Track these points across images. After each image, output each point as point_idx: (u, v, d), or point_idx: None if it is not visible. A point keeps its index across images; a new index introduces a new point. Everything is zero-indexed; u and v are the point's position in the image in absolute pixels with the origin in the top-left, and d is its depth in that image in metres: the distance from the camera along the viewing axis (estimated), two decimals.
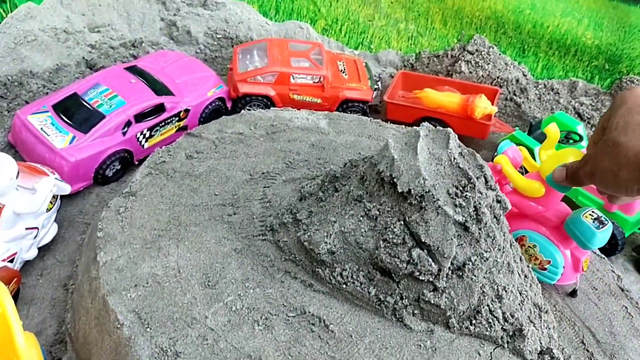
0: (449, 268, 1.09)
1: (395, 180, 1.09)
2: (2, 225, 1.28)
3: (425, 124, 1.20)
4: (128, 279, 1.16)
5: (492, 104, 1.92)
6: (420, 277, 1.08)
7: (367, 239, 1.13)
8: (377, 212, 1.12)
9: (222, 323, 1.09)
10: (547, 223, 1.31)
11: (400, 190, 1.08)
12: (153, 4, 2.15)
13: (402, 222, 1.09)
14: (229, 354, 1.04)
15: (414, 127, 1.18)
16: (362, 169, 1.22)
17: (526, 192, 1.24)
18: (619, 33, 2.01)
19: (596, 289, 1.50)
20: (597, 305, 1.46)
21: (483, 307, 1.11)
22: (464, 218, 1.07)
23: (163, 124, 1.72)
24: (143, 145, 1.70)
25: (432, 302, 1.09)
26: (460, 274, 1.09)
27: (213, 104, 1.87)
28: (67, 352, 1.27)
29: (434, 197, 1.06)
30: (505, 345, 1.11)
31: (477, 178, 1.11)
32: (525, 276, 1.24)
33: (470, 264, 1.09)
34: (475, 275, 1.09)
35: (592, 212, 1.25)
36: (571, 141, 1.85)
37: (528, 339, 1.11)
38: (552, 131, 1.22)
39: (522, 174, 1.29)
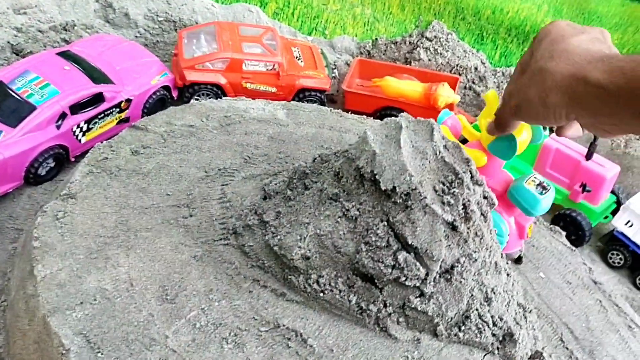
0: (437, 271, 1.00)
1: (377, 177, 0.98)
2: None
3: (404, 114, 1.11)
4: (72, 296, 1.01)
5: (459, 97, 1.86)
6: (407, 283, 0.98)
7: (347, 242, 1.02)
8: (357, 212, 1.02)
9: (186, 343, 0.96)
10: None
11: (383, 188, 0.98)
12: None
13: (386, 223, 1.00)
14: None
15: (393, 118, 1.08)
16: (336, 164, 1.11)
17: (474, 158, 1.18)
18: (578, 19, 2.00)
19: (570, 283, 1.46)
20: (572, 299, 1.42)
21: (472, 311, 1.03)
22: (452, 217, 0.98)
23: (102, 115, 1.55)
24: (80, 140, 1.52)
25: (419, 308, 1.00)
26: (449, 277, 1.01)
27: (157, 93, 1.71)
28: None
29: (421, 195, 0.96)
30: (496, 352, 1.04)
31: (464, 173, 1.02)
32: (508, 274, 1.17)
33: (459, 266, 1.00)
34: (464, 278, 1.01)
35: (535, 178, 1.22)
36: None
37: (519, 343, 1.04)
38: (491, 98, 1.16)
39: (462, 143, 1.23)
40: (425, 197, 0.97)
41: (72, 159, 1.54)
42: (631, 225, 1.64)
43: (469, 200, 1.00)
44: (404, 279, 0.98)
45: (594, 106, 0.54)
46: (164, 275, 1.08)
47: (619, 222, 1.70)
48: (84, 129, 1.52)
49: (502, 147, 1.07)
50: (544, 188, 1.20)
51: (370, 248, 0.99)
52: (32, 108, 1.40)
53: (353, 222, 1.02)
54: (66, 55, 1.59)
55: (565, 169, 1.75)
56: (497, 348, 1.04)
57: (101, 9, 1.98)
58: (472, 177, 1.05)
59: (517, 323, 1.09)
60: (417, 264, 0.97)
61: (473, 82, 2.07)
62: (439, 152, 1.03)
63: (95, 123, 1.54)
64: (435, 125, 1.05)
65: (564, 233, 1.57)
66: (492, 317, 1.04)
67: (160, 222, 1.20)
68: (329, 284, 1.03)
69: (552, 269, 1.47)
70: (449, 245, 1.00)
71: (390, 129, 1.05)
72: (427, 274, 0.98)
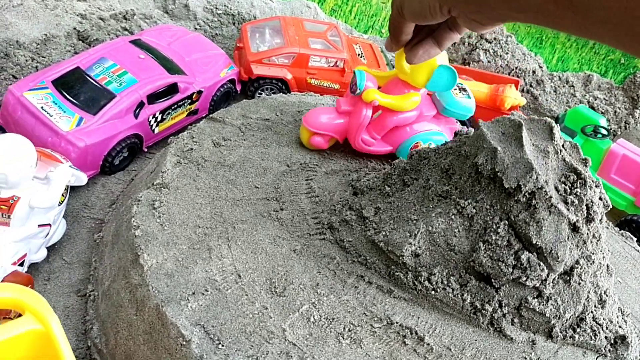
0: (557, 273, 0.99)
1: (499, 174, 0.97)
2: (15, 222, 1.06)
3: (517, 112, 1.09)
4: (182, 286, 0.99)
5: (524, 99, 1.85)
6: (527, 283, 0.97)
7: (461, 240, 1.01)
8: (474, 210, 1.00)
9: (304, 336, 0.94)
10: (428, 118, 1.36)
11: (506, 186, 0.96)
12: None
13: (507, 222, 0.98)
14: None
15: (505, 116, 1.07)
16: (445, 161, 1.09)
17: (408, 107, 1.27)
18: None
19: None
20: None
21: (587, 314, 1.01)
22: (576, 217, 0.97)
23: (175, 106, 1.53)
24: (154, 130, 1.50)
25: (537, 309, 0.99)
26: (567, 278, 0.99)
27: (225, 86, 1.69)
28: None
29: (547, 194, 0.95)
30: (608, 354, 1.03)
31: (585, 173, 1.01)
32: (610, 275, 1.16)
33: (578, 267, 0.99)
34: (582, 280, 1.00)
35: (457, 87, 1.33)
36: (599, 135, 1.81)
37: (631, 346, 1.03)
38: None
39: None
40: (551, 197, 0.95)
41: (145, 149, 1.51)
42: None
43: (592, 201, 0.99)
44: (524, 279, 0.97)
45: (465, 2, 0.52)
46: (268, 268, 1.06)
47: None
48: (158, 119, 1.50)
49: (441, 78, 1.21)
50: (464, 90, 1.35)
51: (490, 247, 0.98)
52: (112, 96, 1.38)
53: (469, 220, 1.01)
54: (138, 44, 1.56)
55: (631, 175, 1.74)
56: (609, 351, 1.03)
57: (161, 0, 1.96)
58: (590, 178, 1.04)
59: (621, 327, 1.08)
60: (541, 264, 0.96)
61: (531, 86, 2.06)
62: (559, 151, 1.02)
63: (169, 114, 1.52)
64: (553, 123, 1.04)
65: (635, 239, 1.56)
66: (604, 320, 1.03)
67: (253, 215, 1.18)
68: (441, 282, 1.02)
69: (629, 274, 1.46)
70: (570, 247, 0.98)
71: (506, 127, 1.04)
72: (548, 275, 0.97)
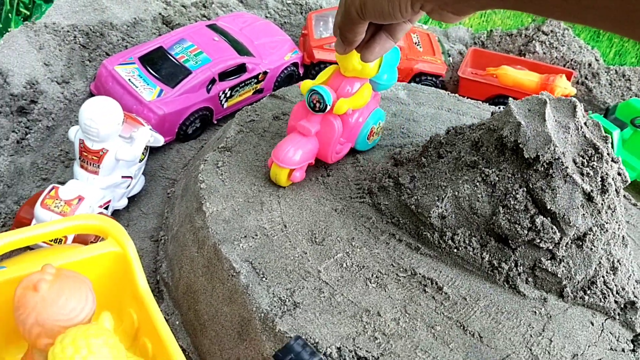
0: (570, 237, 1.08)
1: (521, 145, 1.07)
2: (103, 171, 1.26)
3: (545, 92, 1.19)
4: (236, 230, 1.16)
5: (575, 90, 1.90)
6: (541, 245, 1.07)
7: (484, 204, 1.12)
8: (496, 178, 1.11)
9: (336, 278, 1.09)
10: (376, 96, 1.32)
11: (526, 157, 1.07)
12: None
13: (525, 189, 1.08)
14: (346, 307, 1.03)
15: (534, 95, 1.17)
16: (474, 134, 1.20)
17: (368, 99, 1.22)
18: None
19: None
20: None
21: (598, 278, 1.10)
22: (590, 187, 1.06)
23: (243, 84, 1.70)
24: (223, 105, 1.68)
25: (549, 270, 1.08)
26: (580, 243, 1.08)
27: (288, 69, 1.85)
28: (163, 301, 1.27)
29: (563, 165, 1.05)
30: (617, 317, 1.11)
31: (603, 148, 1.09)
32: (630, 253, 1.23)
33: (591, 234, 1.08)
34: (594, 246, 1.08)
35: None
36: None
37: (637, 308, 1.10)
38: None
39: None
40: (567, 167, 1.05)
41: (215, 122, 1.70)
42: None
43: (607, 174, 1.07)
44: (538, 241, 1.06)
45: None
46: (311, 222, 1.21)
47: None
48: (227, 95, 1.68)
49: (392, 60, 1.18)
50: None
51: (508, 211, 1.08)
52: (188, 72, 1.57)
53: (491, 187, 1.12)
54: (214, 28, 1.75)
55: None
56: (618, 314, 1.11)
57: None
58: (608, 154, 1.13)
59: (636, 296, 1.15)
60: (554, 227, 1.05)
61: (586, 78, 2.09)
62: (580, 127, 1.11)
63: (237, 91, 1.70)
64: (577, 103, 1.13)
65: None
66: (615, 285, 1.11)
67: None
68: (463, 242, 1.13)
69: None
70: (584, 215, 1.07)
71: (533, 104, 1.14)
72: (560, 238, 1.07)
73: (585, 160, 1.07)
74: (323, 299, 1.04)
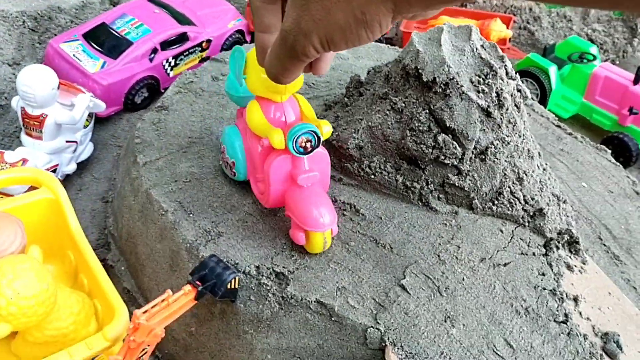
0: (473, 152, 1.15)
1: (420, 71, 1.14)
2: (46, 135, 1.34)
3: (447, 22, 1.25)
4: (168, 176, 1.23)
5: (511, 32, 1.96)
6: (445, 161, 1.14)
7: (394, 130, 1.19)
8: (403, 105, 1.18)
9: (260, 210, 1.16)
10: None
11: (425, 80, 1.13)
12: None
13: (427, 111, 1.15)
14: (267, 233, 1.11)
15: (437, 25, 1.24)
16: (386, 69, 1.28)
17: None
18: None
19: (612, 192, 1.55)
20: (613, 206, 1.52)
21: (505, 189, 1.17)
22: (486, 103, 1.13)
23: (187, 53, 1.78)
24: (169, 74, 1.75)
25: (457, 184, 1.16)
26: (483, 157, 1.15)
27: (233, 36, 1.92)
28: (110, 251, 1.35)
29: (457, 84, 1.11)
30: (526, 224, 1.18)
31: (498, 68, 1.16)
32: (544, 169, 1.30)
33: (493, 147, 1.15)
34: (497, 159, 1.15)
35: None
36: (585, 60, 1.89)
37: (548, 217, 1.17)
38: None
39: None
40: (462, 86, 1.12)
41: (162, 90, 1.77)
42: None
43: (501, 89, 1.14)
44: (442, 157, 1.14)
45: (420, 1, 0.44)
46: None
47: None
48: (172, 64, 1.75)
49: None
50: None
51: (414, 133, 1.15)
52: (130, 44, 1.64)
53: (399, 114, 1.19)
54: (155, 2, 1.82)
55: (614, 95, 1.81)
56: (528, 222, 1.18)
57: None
58: (506, 72, 1.19)
59: (549, 206, 1.22)
60: (454, 143, 1.12)
61: (528, 23, 2.15)
62: (476, 49, 1.17)
63: (181, 60, 1.77)
64: (474, 27, 1.20)
65: (609, 151, 1.65)
66: (523, 195, 1.18)
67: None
68: (379, 168, 1.21)
69: (595, 179, 1.57)
70: (484, 130, 1.14)
71: (433, 33, 1.21)
72: (463, 154, 1.14)
73: (481, 79, 1.14)
74: (246, 227, 1.12)
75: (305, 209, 0.97)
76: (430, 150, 1.14)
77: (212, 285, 0.95)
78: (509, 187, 1.17)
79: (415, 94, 1.17)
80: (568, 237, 1.19)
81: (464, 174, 1.15)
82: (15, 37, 1.70)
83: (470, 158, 1.15)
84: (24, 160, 1.29)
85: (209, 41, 1.84)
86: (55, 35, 1.81)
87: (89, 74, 1.60)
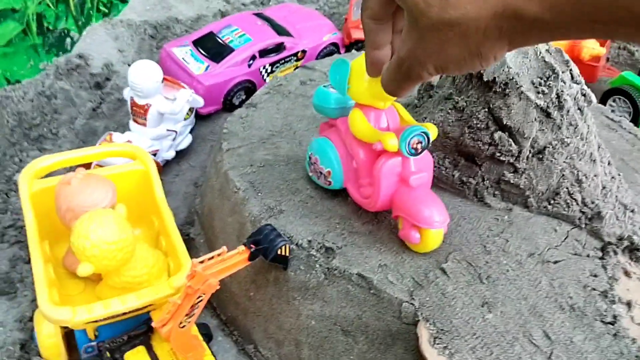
0: (530, 151, 1.17)
1: (482, 72, 1.19)
2: (149, 123, 1.54)
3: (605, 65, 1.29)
4: (245, 161, 1.37)
5: (604, 49, 1.92)
6: (501, 158, 1.17)
7: (454, 128, 1.24)
8: (464, 104, 1.23)
9: (321, 193, 1.26)
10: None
11: (485, 80, 1.18)
12: None
13: (487, 110, 1.19)
14: (324, 213, 1.20)
15: None
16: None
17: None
18: None
19: None
20: None
21: (562, 189, 1.17)
22: (545, 103, 1.15)
23: (283, 61, 1.94)
24: (265, 79, 1.92)
25: (512, 182, 1.18)
26: (541, 157, 1.17)
27: (327, 48, 2.06)
28: (193, 226, 1.51)
29: (517, 84, 1.15)
30: (583, 226, 1.17)
31: (562, 72, 1.18)
32: (613, 177, 1.27)
33: (551, 147, 1.16)
34: (555, 159, 1.16)
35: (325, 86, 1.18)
36: None
37: (606, 220, 1.16)
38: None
39: None
40: (521, 86, 1.15)
41: None
42: None
43: (562, 91, 1.16)
44: (499, 154, 1.17)
45: (540, 39, 0.47)
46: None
47: None
48: (269, 70, 1.92)
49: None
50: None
51: (472, 130, 1.20)
52: (231, 50, 1.82)
53: (460, 112, 1.24)
54: (259, 15, 2.01)
55: None
56: (585, 224, 1.17)
57: None
58: (572, 77, 1.21)
59: (612, 210, 1.20)
60: (510, 140, 1.16)
61: (628, 43, 2.08)
62: (540, 53, 1.20)
63: (277, 67, 1.93)
64: None
65: None
66: (582, 198, 1.18)
67: (314, 126, 1.52)
68: (437, 163, 1.26)
69: None
70: (542, 130, 1.16)
71: None
72: (519, 152, 1.16)
73: (542, 81, 1.17)
74: (305, 207, 1.22)
75: (421, 208, 1.01)
76: (487, 147, 1.18)
77: (264, 249, 1.06)
78: (567, 187, 1.17)
79: (477, 93, 1.22)
80: (629, 243, 1.17)
81: (520, 172, 1.18)
82: (136, 42, 1.96)
83: (528, 157, 1.17)
84: (129, 142, 1.50)
85: (304, 51, 1.99)
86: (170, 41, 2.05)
87: (194, 75, 1.80)
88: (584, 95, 1.20)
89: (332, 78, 1.05)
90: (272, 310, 1.19)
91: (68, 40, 1.86)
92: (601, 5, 0.41)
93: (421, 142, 1.00)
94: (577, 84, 1.19)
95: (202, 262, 0.99)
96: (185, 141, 1.72)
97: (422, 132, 0.99)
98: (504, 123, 1.16)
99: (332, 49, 2.10)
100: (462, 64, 0.50)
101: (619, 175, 1.32)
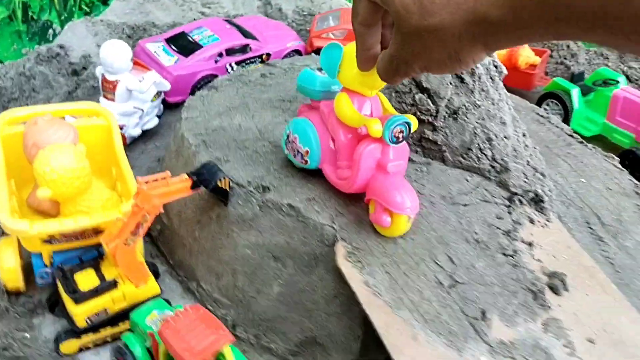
0: (446, 111, 1.34)
1: None
2: (117, 98, 1.70)
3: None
4: (201, 127, 1.52)
5: (541, 64, 2.12)
6: (422, 117, 1.33)
7: (384, 92, 1.40)
8: None
9: (265, 151, 1.40)
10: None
11: None
12: None
13: (411, 78, 1.37)
14: (266, 164, 1.34)
15: None
16: None
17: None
18: None
19: (610, 189, 1.63)
20: (609, 200, 1.59)
21: (474, 145, 1.33)
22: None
23: (248, 61, 2.12)
24: None
25: (431, 139, 1.34)
26: (455, 117, 1.33)
27: (290, 54, 2.25)
28: None
29: None
30: (492, 178, 1.32)
31: None
32: (527, 146, 1.44)
33: (464, 108, 1.33)
34: (467, 118, 1.33)
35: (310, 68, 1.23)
36: (608, 85, 2.00)
37: (512, 173, 1.31)
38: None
39: None
40: None
41: None
42: None
43: None
44: (419, 114, 1.33)
45: (508, 41, 0.50)
46: (262, 126, 1.54)
47: None
48: (234, 68, 2.09)
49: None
50: (321, 69, 1.18)
51: (398, 94, 1.37)
52: (200, 47, 2.01)
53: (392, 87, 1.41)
54: (229, 21, 2.20)
55: (633, 115, 1.89)
56: (495, 176, 1.32)
57: (262, 6, 2.62)
58: None
59: (520, 168, 1.35)
60: (429, 101, 1.32)
61: (565, 58, 2.28)
62: None
63: (243, 66, 2.10)
64: None
65: (618, 159, 1.74)
66: (493, 155, 1.33)
67: (269, 106, 1.68)
68: None
69: (596, 178, 1.66)
70: (457, 93, 1.33)
71: None
72: (437, 112, 1.33)
73: None
74: (250, 160, 1.36)
75: (395, 194, 1.06)
76: (410, 107, 1.34)
77: (206, 179, 1.19)
78: (478, 144, 1.33)
79: None
80: (534, 195, 1.32)
81: (438, 130, 1.34)
82: (114, 39, 2.14)
83: (444, 116, 1.33)
84: None
85: (268, 55, 2.18)
86: None
87: (164, 65, 1.97)
88: (496, 66, 1.38)
89: (323, 61, 1.06)
90: (214, 246, 1.31)
91: (50, 31, 2.03)
92: (556, 4, 0.43)
93: (403, 132, 1.04)
94: (489, 56, 1.37)
95: (147, 182, 1.12)
96: (151, 122, 1.87)
97: (405, 122, 1.03)
98: (423, 86, 1.33)
99: (294, 55, 2.29)
100: (443, 67, 0.55)
101: (535, 149, 1.48)
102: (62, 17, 2.08)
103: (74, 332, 1.19)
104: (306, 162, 1.21)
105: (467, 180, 1.31)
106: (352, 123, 1.08)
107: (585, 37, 0.44)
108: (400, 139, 1.05)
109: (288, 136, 1.25)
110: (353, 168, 1.10)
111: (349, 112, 1.07)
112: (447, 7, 0.49)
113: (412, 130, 1.06)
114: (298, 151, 1.22)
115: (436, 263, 1.13)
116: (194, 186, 1.19)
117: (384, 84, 0.99)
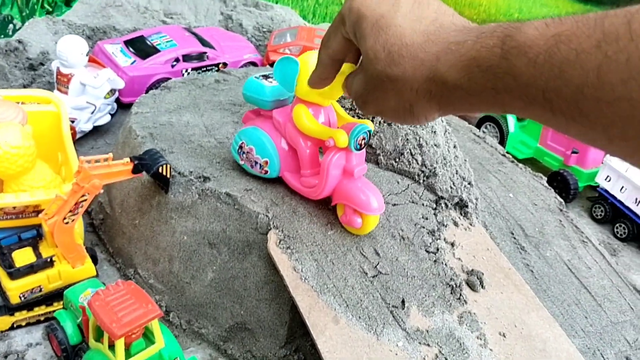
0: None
1: None
2: (71, 91, 1.74)
3: None
4: (150, 121, 1.57)
5: None
6: None
7: None
8: None
9: (208, 144, 1.47)
10: None
11: None
12: (216, 1, 2.71)
13: None
14: (210, 158, 1.40)
15: None
16: None
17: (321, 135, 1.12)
18: None
19: (536, 205, 1.75)
20: (534, 214, 1.71)
21: (406, 150, 1.42)
22: None
23: (205, 69, 2.19)
24: None
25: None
26: (389, 123, 1.43)
27: (246, 65, 2.32)
28: None
29: None
30: (421, 182, 1.41)
31: None
32: (457, 156, 1.54)
33: None
34: (401, 125, 1.42)
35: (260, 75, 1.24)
36: None
37: (440, 178, 1.40)
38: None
39: None
40: None
41: None
42: (609, 180, 1.85)
43: None
44: (356, 117, 1.42)
45: (461, 105, 0.50)
46: (209, 124, 1.61)
47: (600, 178, 1.92)
48: (190, 73, 2.16)
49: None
50: (267, 77, 1.22)
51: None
52: (158, 51, 2.07)
53: None
54: (188, 29, 2.27)
55: (562, 140, 2.04)
56: (423, 180, 1.41)
57: (224, 20, 2.70)
58: None
59: (449, 176, 1.45)
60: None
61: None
62: None
63: (199, 73, 2.18)
64: None
65: (545, 178, 1.86)
66: (423, 160, 1.43)
67: (219, 107, 1.75)
68: None
69: (523, 194, 1.78)
70: None
71: None
72: (372, 117, 1.41)
73: None
74: (194, 153, 1.42)
75: (362, 196, 1.11)
76: (348, 112, 1.42)
77: (147, 164, 1.24)
78: (410, 149, 1.42)
79: None
80: (459, 200, 1.41)
81: (373, 134, 1.42)
82: None
83: (379, 122, 1.42)
84: None
85: (225, 64, 2.25)
86: None
87: (120, 66, 2.02)
88: None
89: (276, 73, 1.08)
90: (153, 233, 1.36)
91: (11, 26, 2.06)
92: (498, 73, 0.43)
93: (364, 139, 1.09)
94: (442, 116, 1.47)
95: (89, 162, 1.16)
96: (103, 119, 1.91)
97: (367, 131, 1.08)
98: None
99: (250, 66, 2.37)
100: (396, 116, 0.57)
101: (465, 161, 1.59)
102: (24, 14, 2.12)
103: (7, 308, 1.21)
104: (266, 172, 1.23)
105: (398, 182, 1.40)
106: (317, 135, 1.10)
107: (527, 111, 0.44)
108: (363, 146, 1.10)
109: (241, 147, 1.25)
110: (320, 177, 1.13)
111: (313, 126, 1.09)
112: (411, 61, 0.50)
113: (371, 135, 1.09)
114: (256, 162, 1.23)
115: (362, 254, 1.20)
116: (135, 170, 1.24)
117: (341, 94, 0.98)
